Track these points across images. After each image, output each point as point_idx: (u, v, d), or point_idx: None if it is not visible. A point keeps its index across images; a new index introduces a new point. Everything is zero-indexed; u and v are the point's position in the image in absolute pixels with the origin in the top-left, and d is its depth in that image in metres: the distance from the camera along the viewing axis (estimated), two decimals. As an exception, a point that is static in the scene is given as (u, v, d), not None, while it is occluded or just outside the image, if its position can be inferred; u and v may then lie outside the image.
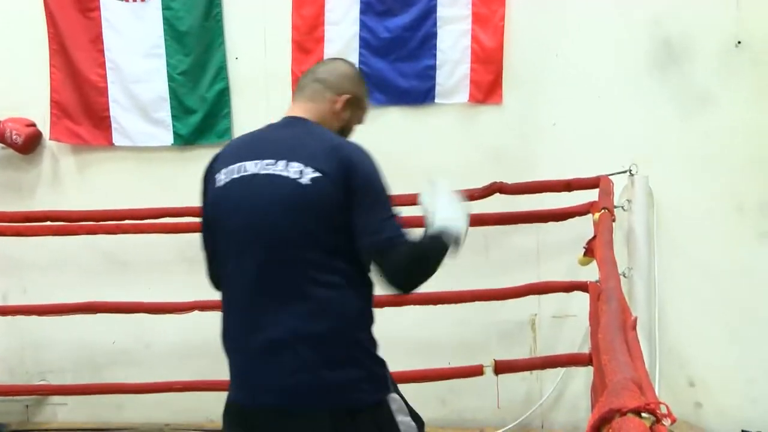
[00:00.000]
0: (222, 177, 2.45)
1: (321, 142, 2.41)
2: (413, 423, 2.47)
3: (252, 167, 2.40)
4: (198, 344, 5.03)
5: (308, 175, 2.33)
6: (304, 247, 2.32)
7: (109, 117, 5.03)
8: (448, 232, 2.38)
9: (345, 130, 2.61)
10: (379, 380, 2.42)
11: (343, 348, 2.34)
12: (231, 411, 2.43)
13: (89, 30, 5.02)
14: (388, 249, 2.31)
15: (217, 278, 2.58)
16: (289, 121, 2.54)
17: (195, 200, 4.64)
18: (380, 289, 2.39)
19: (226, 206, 2.42)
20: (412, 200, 4.25)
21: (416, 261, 2.33)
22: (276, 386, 2.32)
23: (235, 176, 2.42)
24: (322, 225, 2.33)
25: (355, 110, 2.61)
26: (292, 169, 2.34)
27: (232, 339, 2.42)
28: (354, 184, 2.34)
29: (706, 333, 4.82)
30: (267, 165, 2.38)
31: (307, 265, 2.32)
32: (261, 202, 2.35)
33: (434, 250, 2.36)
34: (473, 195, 4.47)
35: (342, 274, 2.35)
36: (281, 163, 2.36)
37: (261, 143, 2.48)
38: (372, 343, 2.44)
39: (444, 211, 2.43)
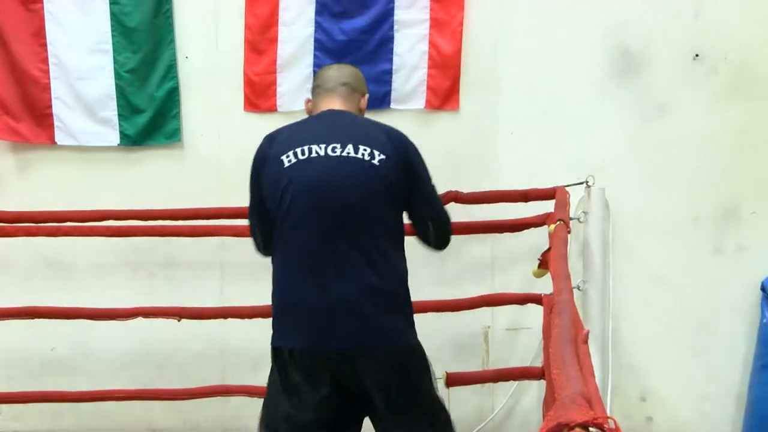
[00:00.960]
0: (289, 158, 2.93)
1: (376, 130, 3.01)
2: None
3: (319, 150, 2.90)
4: (141, 352, 5.04)
5: (377, 157, 2.90)
6: (373, 219, 2.89)
7: (51, 114, 4.96)
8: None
9: None
10: (415, 327, 3.09)
11: (397, 302, 2.95)
12: (295, 355, 2.92)
13: (31, 23, 4.91)
14: (443, 219, 3.17)
15: (271, 248, 3.06)
16: (337, 113, 3.08)
17: (141, 203, 4.72)
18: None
19: (300, 183, 2.89)
20: None
21: (450, 230, 3.21)
22: (344, 334, 2.86)
23: (302, 157, 2.91)
24: (388, 200, 2.92)
25: (365, 106, 3.24)
26: (361, 152, 2.89)
27: (299, 296, 2.89)
28: (410, 165, 3.00)
29: (660, 346, 4.90)
30: (334, 147, 2.90)
31: (374, 234, 2.88)
32: (336, 180, 2.87)
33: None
34: None
35: (395, 240, 2.99)
36: (350, 146, 2.90)
37: (319, 129, 3.00)
38: (410, 296, 3.08)
39: None
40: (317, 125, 3.05)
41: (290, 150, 2.95)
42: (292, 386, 2.96)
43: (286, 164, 2.94)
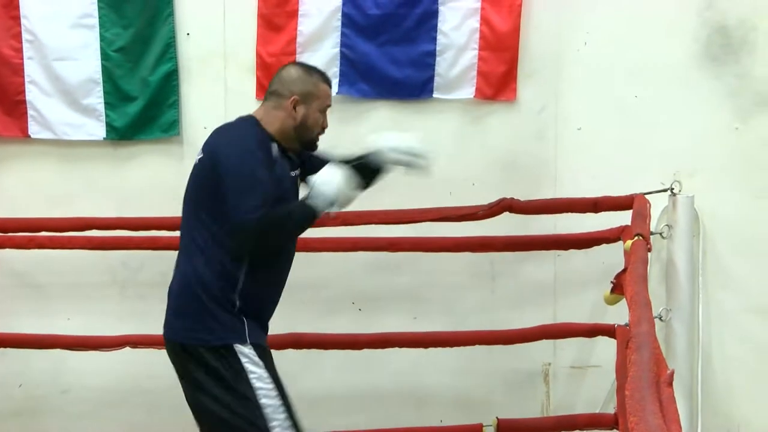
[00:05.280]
0: None
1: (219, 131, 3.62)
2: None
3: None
4: (129, 390, 5.06)
5: (197, 158, 3.54)
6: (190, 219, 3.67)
7: (24, 102, 5.00)
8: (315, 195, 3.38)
9: (303, 129, 3.57)
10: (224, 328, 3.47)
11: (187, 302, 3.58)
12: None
13: (2, -8, 5.02)
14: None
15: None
16: (240, 118, 3.66)
17: (131, 209, 4.75)
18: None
19: None
20: (401, 217, 4.34)
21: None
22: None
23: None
24: (199, 201, 3.54)
25: (308, 107, 3.56)
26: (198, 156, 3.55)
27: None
28: (216, 161, 3.44)
29: (760, 390, 4.90)
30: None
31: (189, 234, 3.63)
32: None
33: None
34: (477, 213, 4.57)
35: (206, 241, 3.55)
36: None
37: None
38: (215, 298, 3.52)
39: (321, 175, 3.41)
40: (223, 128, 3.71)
41: None
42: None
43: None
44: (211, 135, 3.59)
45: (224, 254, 3.43)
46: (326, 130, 3.62)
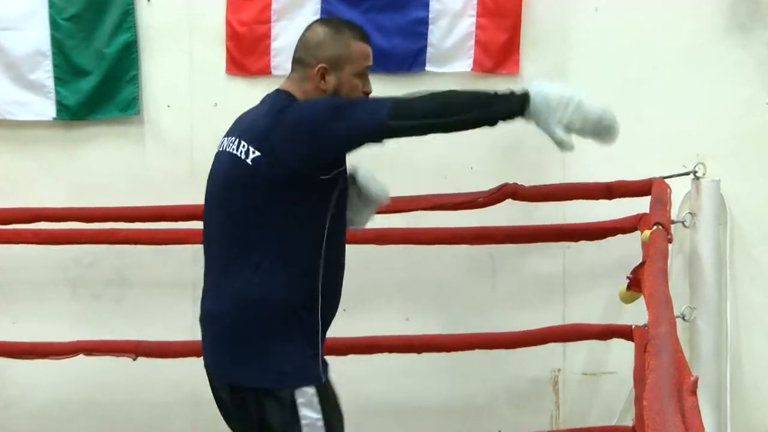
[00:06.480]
0: (218, 149, 3.34)
1: (265, 116, 3.23)
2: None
3: (227, 143, 3.26)
4: (83, 402, 5.03)
5: (251, 155, 3.16)
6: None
7: (-39, 77, 5.00)
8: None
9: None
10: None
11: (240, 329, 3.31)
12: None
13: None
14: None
15: None
16: (267, 95, 3.33)
17: (85, 198, 4.77)
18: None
19: (207, 182, 3.35)
20: (390, 205, 4.32)
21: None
22: None
23: (217, 150, 3.33)
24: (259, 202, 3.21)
25: (339, 73, 3.27)
26: (240, 148, 3.18)
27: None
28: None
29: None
30: (231, 142, 3.24)
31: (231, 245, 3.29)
32: (212, 182, 3.33)
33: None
34: (476, 200, 4.55)
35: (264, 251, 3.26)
36: (236, 141, 3.21)
37: (241, 116, 3.38)
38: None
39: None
40: (249, 111, 3.38)
41: (222, 138, 3.35)
42: None
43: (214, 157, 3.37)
44: (247, 123, 3.28)
45: (300, 252, 3.18)
46: None
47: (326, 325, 3.29)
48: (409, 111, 3.09)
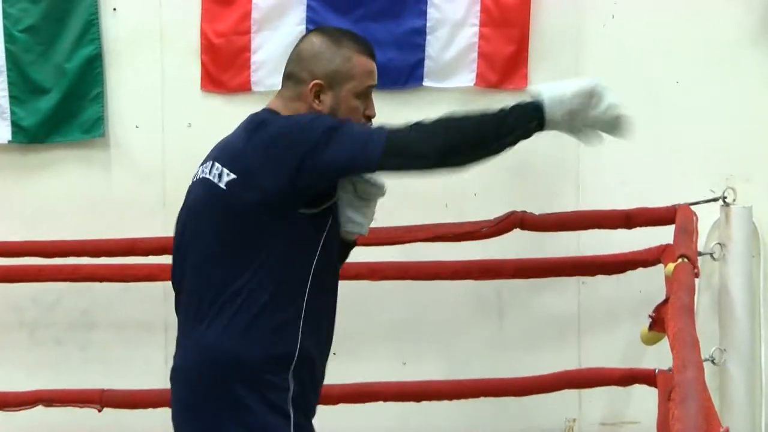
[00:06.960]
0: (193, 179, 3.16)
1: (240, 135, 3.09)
2: None
3: (201, 171, 3.09)
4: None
5: (225, 178, 3.00)
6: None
7: None
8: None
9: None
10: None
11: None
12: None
13: None
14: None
15: None
16: (251, 115, 3.12)
17: (44, 230, 4.72)
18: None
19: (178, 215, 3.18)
20: (385, 236, 4.25)
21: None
22: None
23: (192, 181, 3.14)
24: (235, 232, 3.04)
25: (337, 92, 3.04)
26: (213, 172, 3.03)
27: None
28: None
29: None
30: (205, 168, 3.07)
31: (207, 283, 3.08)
32: (184, 211, 3.13)
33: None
34: (480, 231, 4.52)
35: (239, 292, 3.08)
36: (209, 165, 3.06)
37: (220, 141, 3.16)
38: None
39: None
40: (229, 135, 3.17)
41: (198, 167, 3.15)
42: None
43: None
44: (223, 144, 3.12)
45: (277, 302, 2.94)
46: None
47: (305, 385, 3.03)
48: (407, 148, 2.90)
